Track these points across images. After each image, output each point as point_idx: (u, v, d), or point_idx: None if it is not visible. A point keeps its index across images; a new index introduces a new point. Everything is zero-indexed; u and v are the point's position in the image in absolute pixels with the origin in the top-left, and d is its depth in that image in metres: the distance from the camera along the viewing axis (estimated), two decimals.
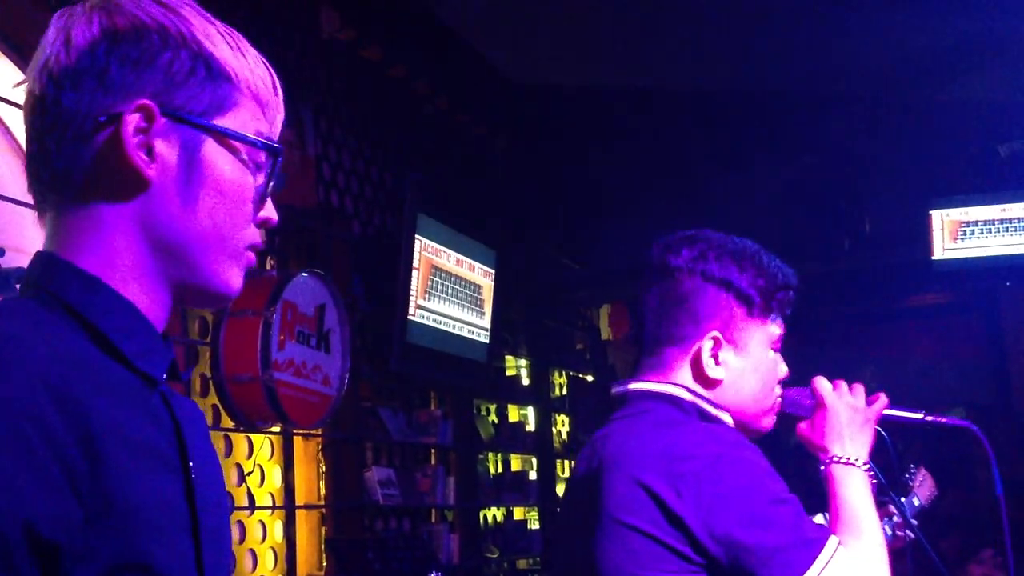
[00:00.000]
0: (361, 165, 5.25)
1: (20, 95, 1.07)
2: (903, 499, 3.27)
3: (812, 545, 1.59)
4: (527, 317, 7.15)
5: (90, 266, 1.01)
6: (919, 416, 1.97)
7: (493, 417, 6.73)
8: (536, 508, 7.04)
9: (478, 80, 5.94)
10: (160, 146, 1.02)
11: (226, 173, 1.05)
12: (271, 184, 1.10)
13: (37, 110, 1.03)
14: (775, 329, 1.87)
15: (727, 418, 1.83)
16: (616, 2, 5.05)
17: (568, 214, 7.21)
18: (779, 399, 1.91)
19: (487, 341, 5.92)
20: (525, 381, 7.19)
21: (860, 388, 1.91)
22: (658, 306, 1.88)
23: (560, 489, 7.34)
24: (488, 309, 5.92)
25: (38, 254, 1.05)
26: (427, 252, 5.26)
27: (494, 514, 6.55)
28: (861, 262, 7.22)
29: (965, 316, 8.85)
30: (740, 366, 1.83)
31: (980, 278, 7.09)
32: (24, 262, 2.88)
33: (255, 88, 1.08)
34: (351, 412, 4.72)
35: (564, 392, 7.68)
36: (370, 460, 5.02)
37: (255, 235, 1.10)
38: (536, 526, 7.00)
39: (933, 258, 6.55)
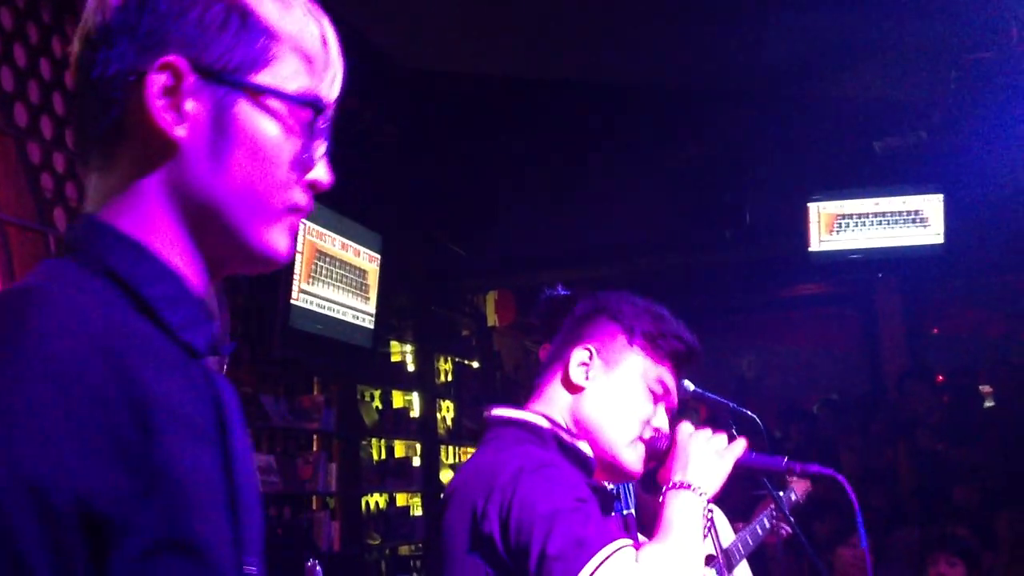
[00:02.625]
0: None
1: None
2: (781, 493, 3.36)
3: (587, 547, 1.58)
4: (413, 303, 7.13)
5: (132, 231, 0.96)
6: (780, 463, 1.92)
7: (377, 403, 6.69)
8: (419, 494, 7.03)
9: (368, 65, 5.87)
10: (190, 105, 0.96)
11: (261, 132, 0.99)
12: (317, 143, 1.02)
13: (78, 72, 0.99)
14: (656, 371, 1.88)
15: (585, 447, 1.83)
16: None
17: (456, 201, 7.20)
18: (642, 440, 1.88)
19: (372, 327, 5.88)
20: (410, 367, 7.16)
21: (721, 435, 1.89)
22: (553, 343, 1.96)
23: (444, 475, 7.34)
24: (373, 294, 5.88)
25: (80, 216, 1.00)
26: (311, 236, 5.18)
27: (376, 500, 6.52)
28: (742, 253, 7.38)
29: (840, 307, 9.14)
30: (605, 383, 1.86)
31: (855, 270, 7.31)
32: None
33: (299, 41, 1.01)
34: None
35: (449, 378, 7.69)
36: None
37: (299, 197, 1.02)
38: (419, 512, 6.99)
39: (810, 250, 6.73)
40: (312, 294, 5.21)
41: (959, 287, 8.36)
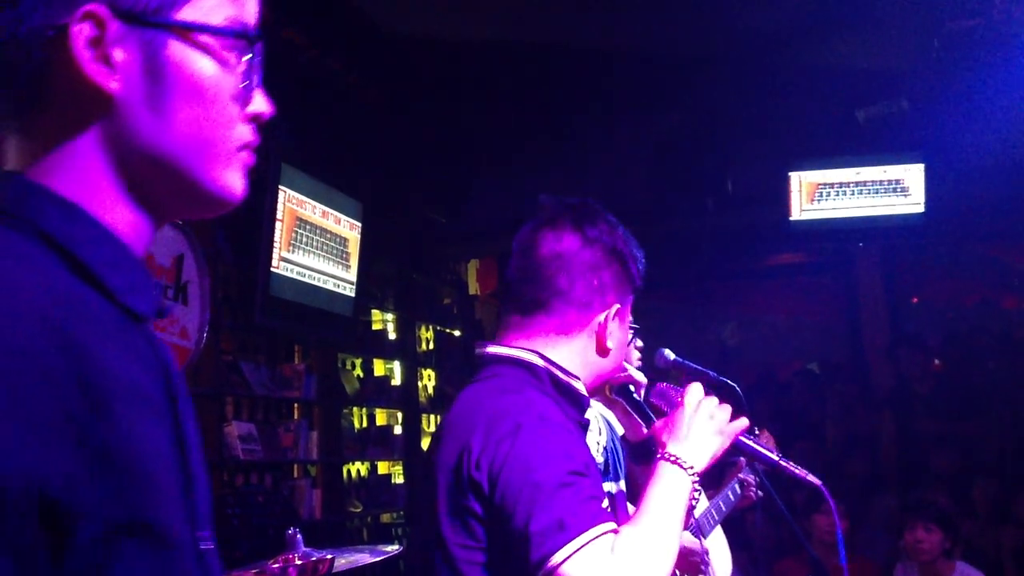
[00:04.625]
0: None
1: None
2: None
3: (567, 530, 1.57)
4: (394, 271, 7.11)
5: (67, 191, 0.90)
6: (773, 457, 1.95)
7: (358, 371, 6.68)
8: (401, 462, 7.04)
9: (350, 29, 5.82)
10: (119, 54, 0.90)
11: (198, 72, 0.93)
12: (254, 74, 0.98)
13: None
14: (627, 305, 1.96)
15: (579, 385, 1.85)
16: None
17: (437, 168, 7.16)
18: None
19: (353, 295, 5.86)
20: (391, 335, 7.15)
21: (727, 407, 1.89)
22: (539, 268, 1.85)
23: (425, 443, 7.36)
24: (354, 262, 5.85)
25: (5, 176, 0.93)
26: (291, 203, 5.15)
27: (358, 468, 6.52)
28: (723, 221, 7.38)
29: (821, 275, 9.14)
30: (618, 337, 1.90)
31: (835, 239, 7.32)
32: None
33: None
34: (211, 366, 4.62)
35: (431, 347, 7.68)
36: (230, 415, 4.93)
37: (246, 133, 0.99)
38: (400, 480, 7.00)
39: (791, 219, 6.74)
40: (293, 262, 5.18)
41: (940, 257, 8.39)
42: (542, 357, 1.83)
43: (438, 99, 6.41)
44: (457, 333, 8.04)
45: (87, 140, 0.92)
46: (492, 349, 1.87)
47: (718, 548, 3.01)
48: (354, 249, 5.84)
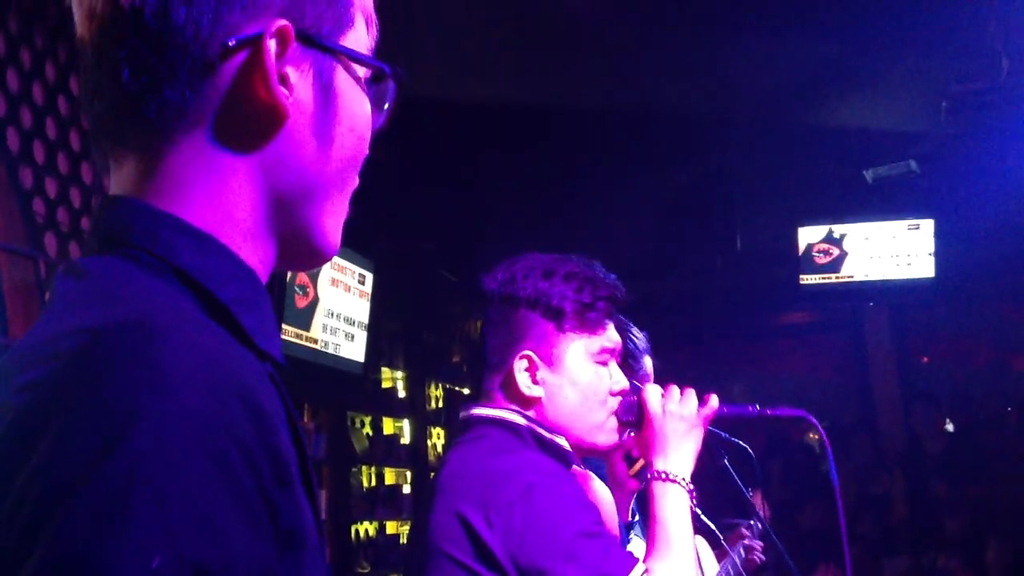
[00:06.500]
0: None
1: None
2: (751, 521, 3.34)
3: None
4: (404, 329, 7.11)
5: (200, 221, 0.81)
6: (751, 410, 1.94)
7: (368, 429, 6.66)
8: (409, 523, 7.00)
9: None
10: (293, 75, 0.83)
11: (357, 104, 0.88)
12: (386, 114, 0.94)
13: (125, 27, 0.80)
14: (597, 342, 1.85)
15: (563, 442, 1.83)
16: (500, 18, 5.08)
17: (446, 226, 7.20)
18: (614, 412, 1.88)
19: (363, 352, 5.86)
20: (401, 393, 7.14)
21: (689, 394, 1.88)
22: (484, 333, 1.90)
23: None
24: (364, 319, 5.86)
25: (122, 202, 0.83)
26: None
27: (367, 528, 6.48)
28: (732, 280, 7.39)
29: (831, 335, 9.13)
30: (557, 383, 1.83)
31: (845, 299, 7.33)
32: None
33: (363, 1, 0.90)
34: None
35: (440, 405, 7.66)
36: None
37: (356, 178, 0.92)
38: None
39: (800, 277, 6.74)
40: (302, 319, 5.19)
41: (949, 317, 8.38)
42: (524, 416, 1.82)
43: (448, 157, 6.46)
44: (467, 391, 8.03)
45: (240, 165, 0.83)
46: (477, 411, 1.87)
47: None
48: (364, 306, 5.85)
